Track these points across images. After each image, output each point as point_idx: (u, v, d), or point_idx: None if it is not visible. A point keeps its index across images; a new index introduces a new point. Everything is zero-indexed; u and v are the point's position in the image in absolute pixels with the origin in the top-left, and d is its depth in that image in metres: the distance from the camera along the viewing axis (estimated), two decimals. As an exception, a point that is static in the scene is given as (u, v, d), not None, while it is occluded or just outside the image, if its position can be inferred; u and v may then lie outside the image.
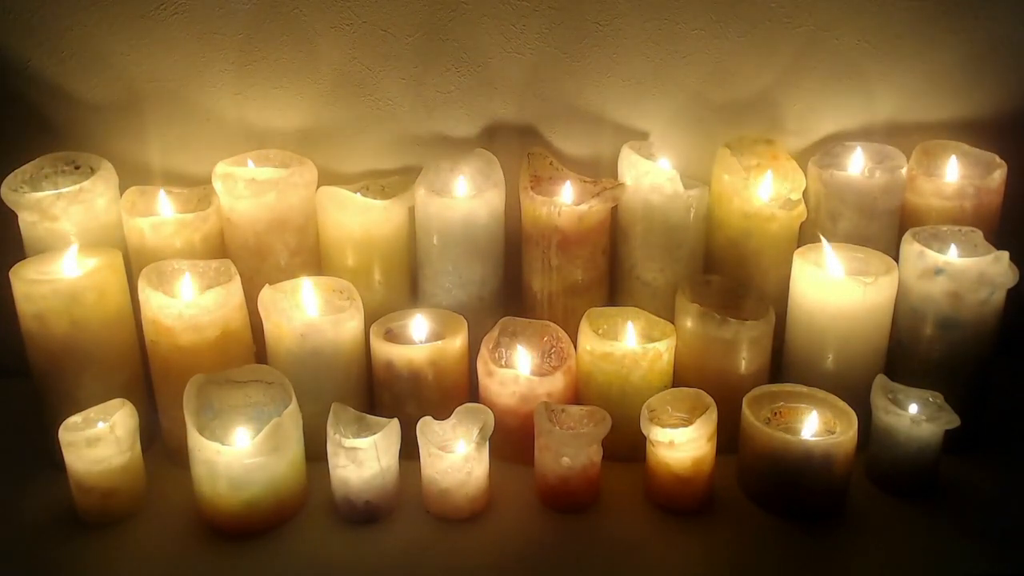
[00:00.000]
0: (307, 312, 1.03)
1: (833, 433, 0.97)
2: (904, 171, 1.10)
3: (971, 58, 1.14)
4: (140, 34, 1.08)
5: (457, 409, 0.98)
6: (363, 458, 0.93)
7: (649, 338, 1.04)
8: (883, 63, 1.13)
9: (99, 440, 0.93)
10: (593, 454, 0.96)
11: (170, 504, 0.98)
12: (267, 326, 1.02)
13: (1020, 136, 1.16)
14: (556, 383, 1.00)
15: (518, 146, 1.14)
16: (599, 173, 1.14)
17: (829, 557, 0.93)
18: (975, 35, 1.13)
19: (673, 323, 1.04)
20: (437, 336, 1.04)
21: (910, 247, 1.02)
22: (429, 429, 0.95)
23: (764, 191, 1.08)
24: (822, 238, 1.06)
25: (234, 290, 1.00)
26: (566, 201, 1.07)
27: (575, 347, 1.04)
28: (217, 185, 1.06)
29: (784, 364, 1.08)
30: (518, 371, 1.02)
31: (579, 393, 1.04)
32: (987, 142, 1.13)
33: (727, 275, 1.11)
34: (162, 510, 0.98)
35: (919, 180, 1.11)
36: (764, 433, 0.96)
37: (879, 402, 0.98)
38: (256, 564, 0.91)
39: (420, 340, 1.04)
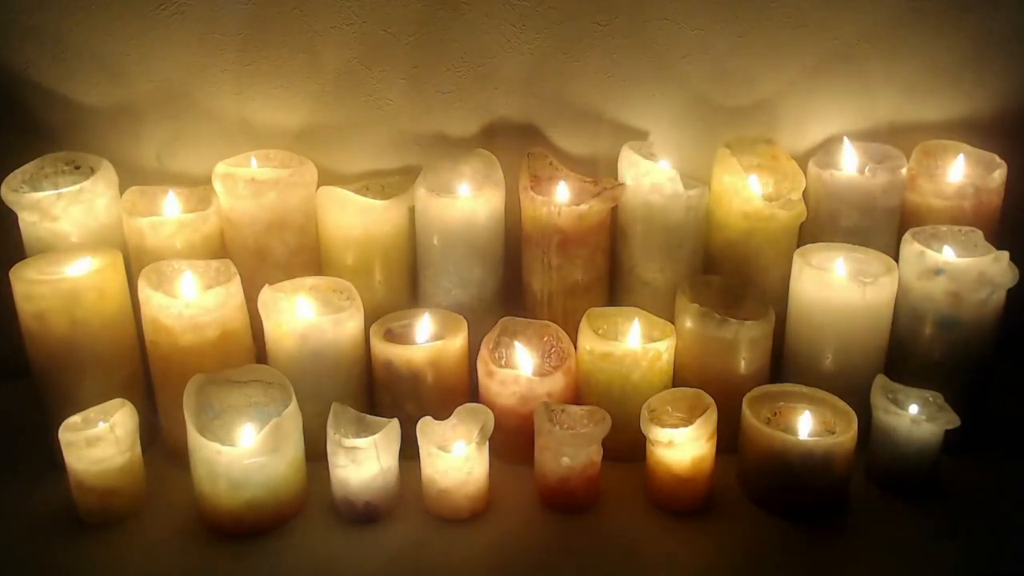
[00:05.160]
0: (307, 312, 1.03)
1: (833, 433, 0.97)
2: (904, 171, 1.10)
3: (971, 58, 1.14)
4: (140, 34, 1.08)
5: (457, 409, 0.98)
6: (363, 458, 0.93)
7: (649, 338, 1.04)
8: (883, 63, 1.13)
9: (99, 440, 0.93)
10: (593, 454, 0.96)
11: (170, 504, 0.98)
12: (267, 326, 1.02)
13: (1020, 136, 1.16)
14: (556, 383, 1.00)
15: (518, 146, 1.13)
16: (599, 173, 1.14)
17: (829, 557, 0.93)
18: (975, 35, 1.13)
19: (673, 323, 1.04)
20: (437, 336, 1.04)
21: (910, 247, 1.02)
22: (429, 429, 0.95)
23: (758, 189, 1.08)
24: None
25: (234, 290, 1.00)
26: (566, 201, 1.07)
27: (575, 347, 1.04)
28: (217, 185, 1.06)
29: (784, 364, 1.08)
30: (518, 371, 1.02)
31: (579, 393, 1.04)
32: (987, 142, 1.14)
33: (727, 275, 1.11)
34: (162, 510, 0.98)
35: (919, 180, 1.11)
36: (764, 433, 0.96)
37: (879, 402, 0.98)
38: (256, 564, 0.91)
39: (420, 340, 1.04)
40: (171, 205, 1.08)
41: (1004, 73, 1.15)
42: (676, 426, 0.95)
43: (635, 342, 1.03)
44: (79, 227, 1.03)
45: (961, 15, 1.12)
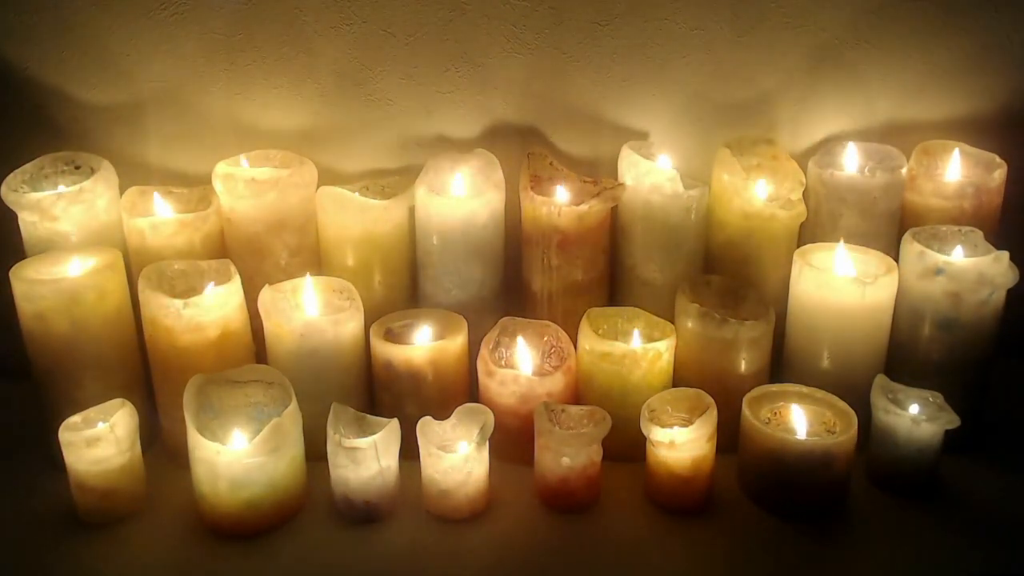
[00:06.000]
0: (307, 312, 1.03)
1: (833, 433, 0.97)
2: (904, 171, 1.10)
3: (971, 58, 1.14)
4: (140, 34, 1.08)
5: (457, 409, 0.97)
6: (363, 458, 0.93)
7: (649, 338, 1.04)
8: (883, 63, 1.13)
9: (99, 440, 0.93)
10: (593, 454, 0.96)
11: (170, 504, 0.98)
12: (267, 326, 1.02)
13: (1020, 136, 1.16)
14: (556, 383, 1.00)
15: (518, 146, 1.14)
16: (599, 173, 1.14)
17: (829, 557, 0.93)
18: (975, 35, 1.13)
19: (673, 323, 1.04)
20: (437, 336, 1.04)
21: (910, 247, 1.02)
22: (429, 429, 0.95)
23: (762, 191, 1.08)
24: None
25: (234, 290, 1.00)
26: (566, 201, 1.07)
27: (575, 347, 1.04)
28: (217, 185, 1.06)
29: (784, 364, 1.08)
30: (518, 371, 1.02)
31: (579, 393, 1.04)
32: (987, 142, 1.13)
33: (727, 275, 1.11)
34: (162, 510, 0.98)
35: (919, 180, 1.11)
36: (764, 433, 0.96)
37: (879, 402, 0.98)
38: (256, 564, 0.91)
39: (420, 340, 1.04)
40: (168, 205, 1.08)
41: (1003, 73, 1.15)
42: (676, 426, 0.95)
43: (635, 342, 1.03)
44: (79, 227, 1.03)
45: (961, 15, 1.12)
